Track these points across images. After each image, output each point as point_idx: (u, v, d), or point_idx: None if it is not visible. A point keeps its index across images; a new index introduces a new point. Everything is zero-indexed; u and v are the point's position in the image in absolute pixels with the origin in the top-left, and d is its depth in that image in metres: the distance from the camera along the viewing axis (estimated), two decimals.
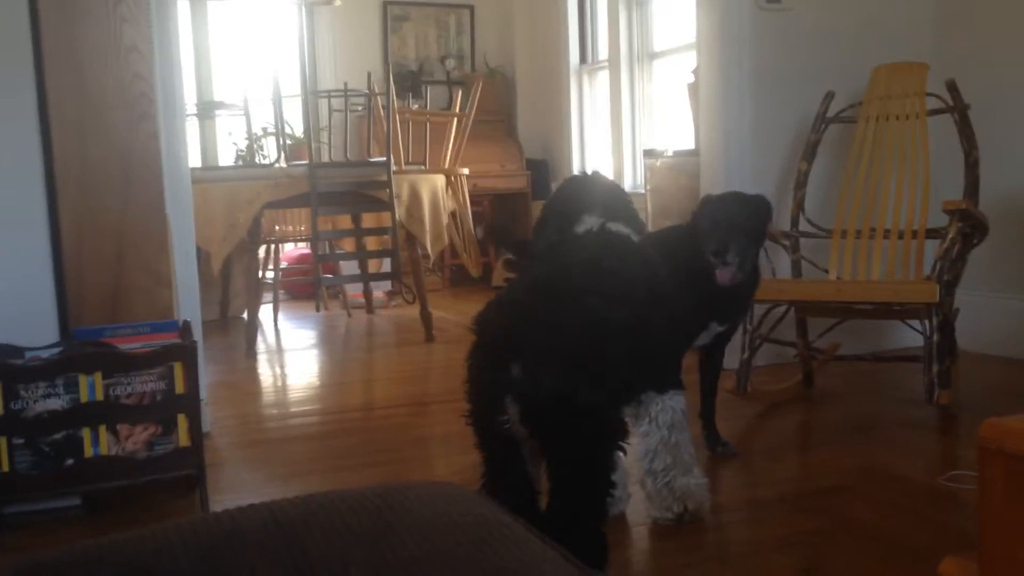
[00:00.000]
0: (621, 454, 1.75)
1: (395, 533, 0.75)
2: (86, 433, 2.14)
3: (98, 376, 2.12)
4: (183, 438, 2.23)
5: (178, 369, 2.19)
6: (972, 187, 3.21)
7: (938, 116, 3.37)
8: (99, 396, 2.13)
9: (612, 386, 1.66)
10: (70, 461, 2.13)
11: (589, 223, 2.02)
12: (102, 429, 2.15)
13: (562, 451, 1.61)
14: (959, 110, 3.25)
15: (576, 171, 6.39)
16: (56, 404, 2.10)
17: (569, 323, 1.61)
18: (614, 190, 2.16)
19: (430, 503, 0.81)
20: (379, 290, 6.02)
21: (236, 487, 2.51)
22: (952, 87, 3.27)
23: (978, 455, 1.21)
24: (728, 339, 2.56)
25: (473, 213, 5.73)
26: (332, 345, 4.88)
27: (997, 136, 3.55)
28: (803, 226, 3.49)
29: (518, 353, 1.57)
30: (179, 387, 2.20)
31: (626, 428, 1.74)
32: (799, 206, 3.51)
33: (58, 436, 2.12)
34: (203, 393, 2.82)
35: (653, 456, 2.06)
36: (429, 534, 0.75)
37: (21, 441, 2.09)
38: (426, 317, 4.67)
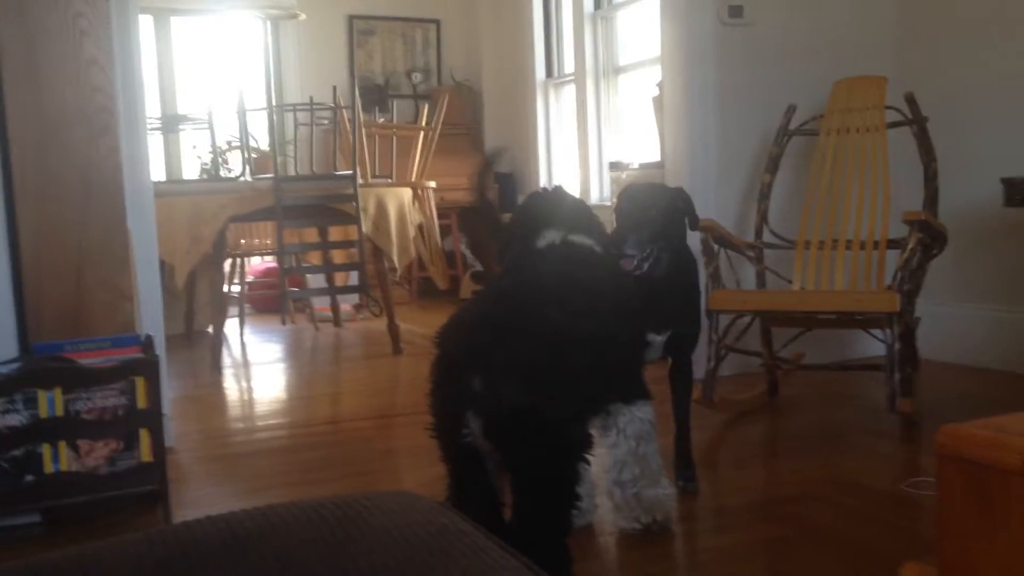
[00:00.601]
0: (586, 466, 1.75)
1: (354, 543, 0.75)
2: (46, 449, 2.11)
3: (58, 391, 2.09)
4: (145, 453, 2.21)
5: (140, 384, 2.17)
6: (931, 198, 3.26)
7: (898, 128, 3.42)
8: (59, 412, 2.10)
9: (575, 400, 1.66)
10: (30, 477, 2.10)
11: (552, 236, 2.03)
12: (62, 445, 2.12)
13: (525, 465, 1.61)
14: (918, 123, 3.31)
15: (542, 185, 6.43)
16: (15, 420, 2.07)
17: (530, 337, 1.61)
18: (577, 204, 2.18)
19: (390, 513, 0.81)
20: (346, 303, 6.00)
21: (200, 502, 2.48)
22: (911, 100, 3.32)
23: (936, 461, 1.23)
24: (682, 351, 2.39)
25: (440, 226, 5.74)
26: (299, 359, 4.85)
27: (955, 148, 3.61)
28: (767, 237, 3.53)
29: (479, 367, 1.57)
30: (141, 402, 2.18)
31: (590, 441, 1.74)
32: (763, 217, 3.54)
33: (17, 452, 2.09)
34: (166, 408, 2.79)
35: (621, 467, 2.05)
36: (388, 544, 0.75)
37: None
38: (393, 330, 4.65)
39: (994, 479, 1.11)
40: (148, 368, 2.19)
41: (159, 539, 0.74)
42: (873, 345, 3.42)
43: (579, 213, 2.13)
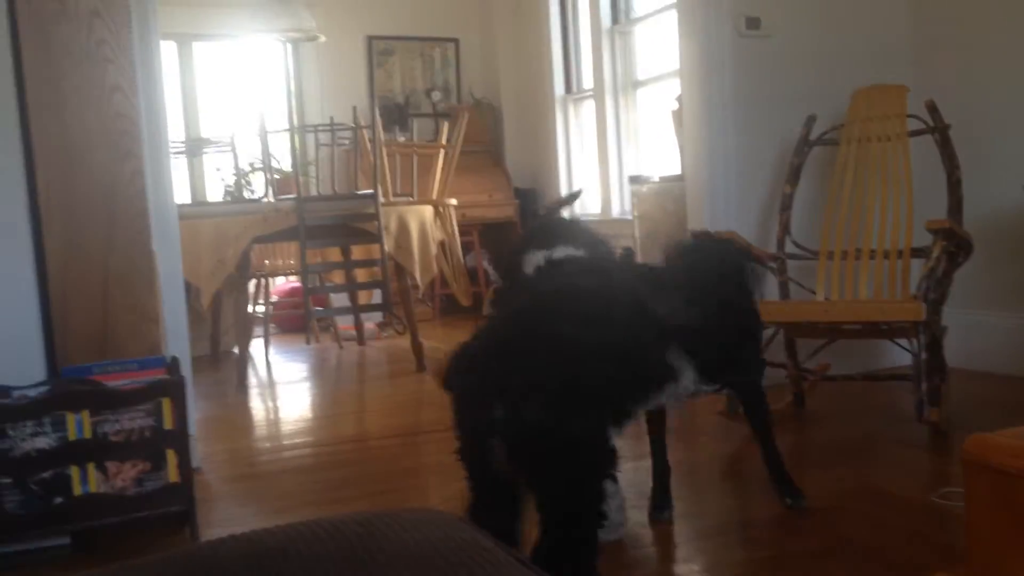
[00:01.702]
0: (613, 483, 1.74)
1: (375, 561, 0.75)
2: (74, 471, 2.13)
3: (85, 414, 2.12)
4: (172, 474, 2.22)
5: (166, 405, 2.19)
6: (955, 206, 3.23)
7: (920, 137, 3.40)
8: (87, 434, 2.12)
9: (597, 410, 1.66)
10: (59, 500, 2.12)
11: (554, 253, 2.04)
12: (91, 467, 2.14)
13: (550, 485, 1.60)
14: (940, 130, 3.28)
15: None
16: (44, 443, 2.10)
17: (543, 355, 1.62)
18: (573, 223, 2.20)
19: (411, 530, 0.81)
20: (370, 321, 6.02)
21: (227, 522, 2.49)
22: (932, 108, 3.30)
23: (963, 471, 1.22)
24: (744, 392, 2.37)
25: (462, 243, 5.75)
26: (324, 377, 4.87)
27: (978, 155, 3.58)
28: (789, 248, 3.51)
29: (498, 394, 1.57)
30: (167, 423, 2.20)
31: (615, 455, 1.74)
32: (785, 229, 3.53)
33: (46, 475, 2.11)
34: (192, 428, 2.81)
35: None
36: (409, 561, 0.75)
37: (8, 481, 2.08)
38: (417, 347, 4.67)
39: (1021, 487, 1.09)
40: (174, 389, 2.21)
41: (180, 559, 0.74)
42: (899, 355, 3.39)
43: (578, 232, 2.14)
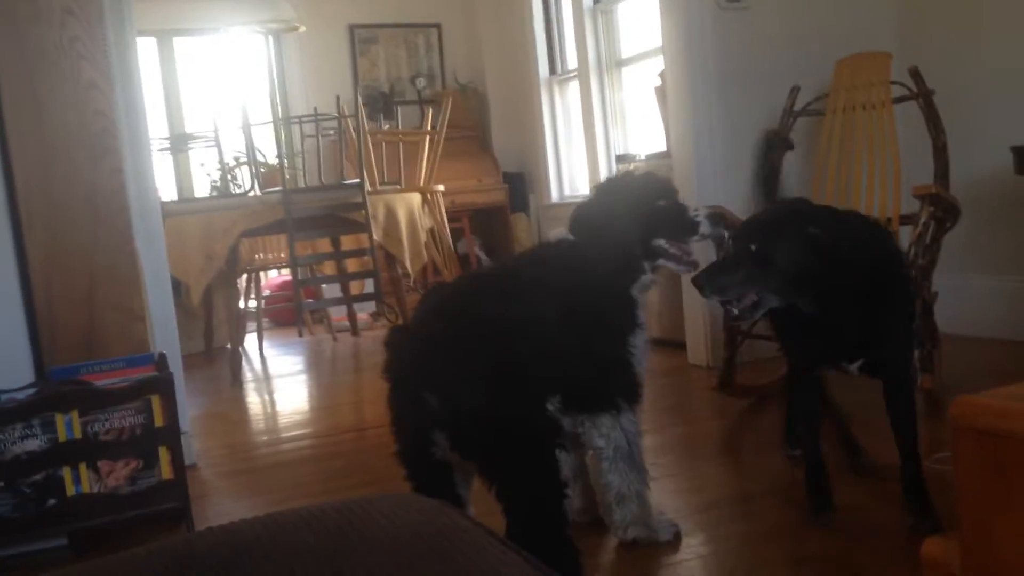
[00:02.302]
0: (565, 454, 1.70)
1: (354, 548, 0.74)
2: (67, 472, 2.12)
3: (75, 414, 2.11)
4: (166, 471, 2.22)
5: (156, 402, 2.18)
6: (942, 171, 3.22)
7: (905, 104, 3.39)
8: (77, 434, 2.11)
9: (529, 388, 1.65)
10: (52, 501, 2.12)
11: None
12: (82, 467, 2.13)
13: (500, 465, 1.60)
14: (924, 96, 3.27)
15: (552, 183, 6.44)
16: (34, 445, 2.09)
17: (468, 338, 1.61)
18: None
19: (390, 516, 0.80)
20: (363, 312, 6.01)
21: (223, 517, 2.49)
22: (915, 73, 3.28)
23: (951, 434, 1.21)
24: (887, 372, 2.07)
25: (452, 229, 5.74)
26: (319, 369, 4.86)
27: (964, 120, 3.57)
28: None
29: (430, 384, 1.57)
30: (158, 420, 2.19)
31: (559, 425, 1.72)
32: (772, 200, 3.51)
33: (38, 477, 2.10)
34: (187, 425, 2.81)
35: (609, 496, 1.97)
36: (388, 547, 0.74)
37: (1, 484, 2.07)
38: None
39: (1008, 448, 1.09)
40: (163, 386, 2.20)
41: (158, 553, 0.74)
42: None
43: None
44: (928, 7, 3.87)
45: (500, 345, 1.62)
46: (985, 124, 3.64)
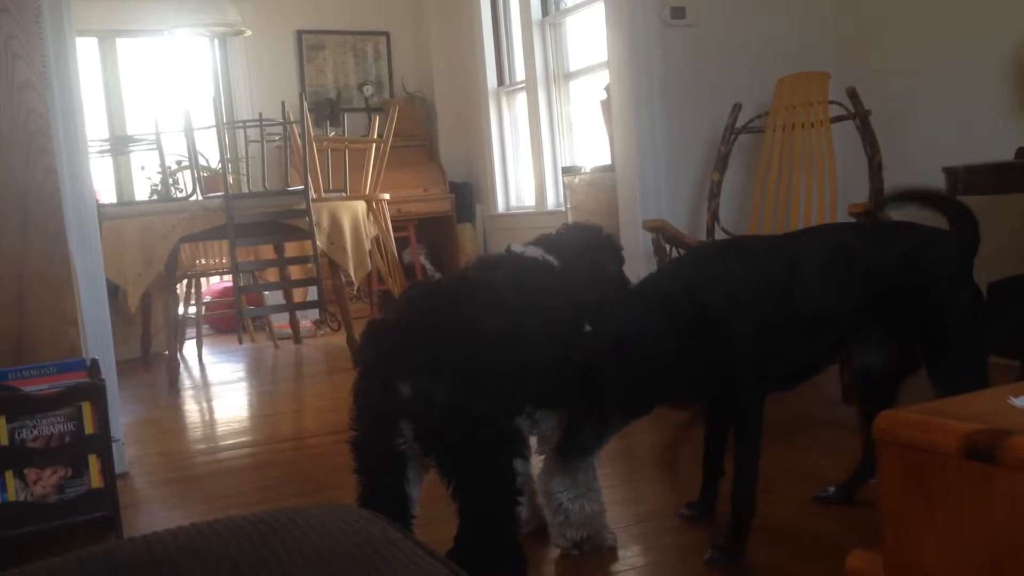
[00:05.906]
0: (523, 463, 1.71)
1: (278, 559, 0.73)
2: None
3: (1, 420, 2.05)
4: (95, 479, 2.17)
5: (86, 409, 2.13)
6: (877, 190, 3.30)
7: (842, 123, 3.46)
8: (3, 440, 2.06)
9: (502, 393, 1.65)
10: None
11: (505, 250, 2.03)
12: (9, 474, 2.07)
13: (461, 464, 1.60)
14: (860, 116, 3.35)
15: (499, 194, 6.45)
16: None
17: (448, 334, 1.62)
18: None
19: (318, 526, 0.80)
20: (305, 319, 5.95)
21: (154, 526, 2.42)
22: (852, 94, 3.36)
23: (876, 449, 1.24)
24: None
25: (397, 238, 5.72)
26: (259, 377, 4.80)
27: (899, 140, 3.66)
28: (719, 235, 3.55)
29: (404, 373, 1.56)
30: (88, 427, 2.14)
31: (523, 436, 1.73)
32: (714, 216, 3.57)
33: None
34: (120, 432, 2.75)
35: (548, 477, 1.98)
36: (314, 558, 0.74)
37: None
38: (352, 344, 4.62)
39: (931, 463, 1.12)
40: (94, 393, 2.15)
41: (76, 563, 0.72)
42: None
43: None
44: (867, 29, 3.96)
45: (481, 347, 1.63)
46: (921, 145, 3.73)
